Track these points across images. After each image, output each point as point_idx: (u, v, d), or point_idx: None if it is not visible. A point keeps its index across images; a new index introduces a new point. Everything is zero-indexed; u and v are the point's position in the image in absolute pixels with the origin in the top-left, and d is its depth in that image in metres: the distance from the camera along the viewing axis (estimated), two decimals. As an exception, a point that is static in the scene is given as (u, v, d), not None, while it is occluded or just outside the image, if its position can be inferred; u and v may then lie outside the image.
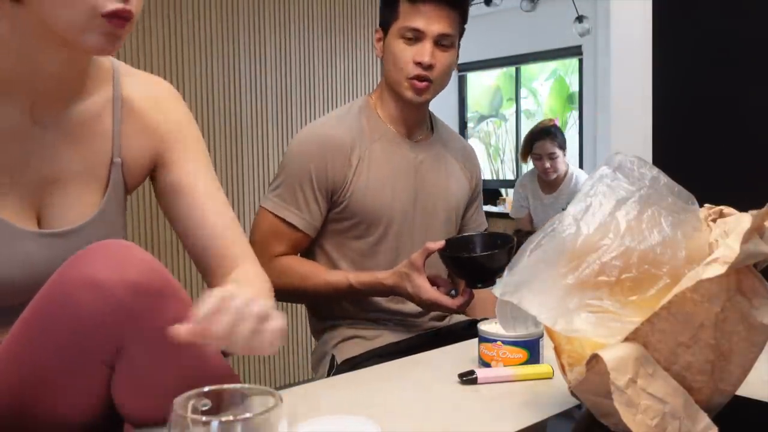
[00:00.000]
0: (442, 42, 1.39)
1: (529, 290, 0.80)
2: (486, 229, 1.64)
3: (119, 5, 0.77)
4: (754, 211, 0.73)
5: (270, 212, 1.40)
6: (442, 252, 1.30)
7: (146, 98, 0.97)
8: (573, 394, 0.84)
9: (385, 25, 1.43)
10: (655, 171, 0.81)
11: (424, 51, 1.37)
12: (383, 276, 1.34)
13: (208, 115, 2.99)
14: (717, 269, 0.70)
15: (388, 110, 1.46)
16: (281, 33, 3.27)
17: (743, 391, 0.93)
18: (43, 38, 0.80)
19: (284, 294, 1.37)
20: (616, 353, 0.72)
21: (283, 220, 1.39)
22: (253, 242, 1.34)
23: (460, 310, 1.35)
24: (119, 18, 0.78)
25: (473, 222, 1.62)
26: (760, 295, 0.75)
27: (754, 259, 0.73)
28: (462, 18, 1.43)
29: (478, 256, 1.33)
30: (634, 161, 0.82)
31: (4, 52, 0.81)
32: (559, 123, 7.98)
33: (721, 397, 0.78)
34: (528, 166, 3.94)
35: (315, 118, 3.36)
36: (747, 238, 0.70)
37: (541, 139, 3.57)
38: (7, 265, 0.84)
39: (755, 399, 0.90)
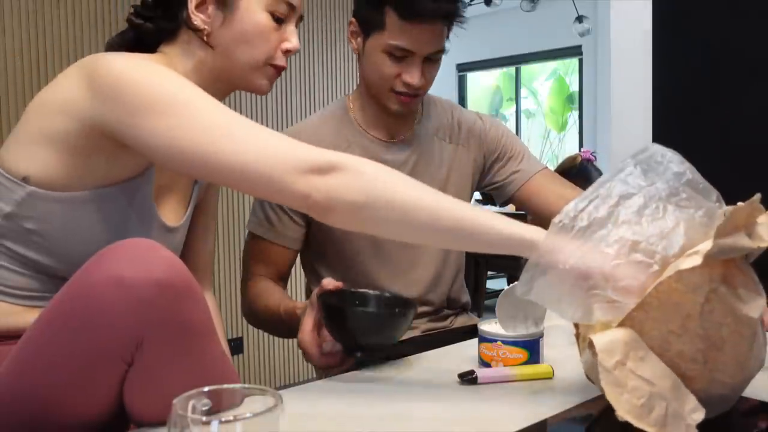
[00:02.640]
0: (433, 57, 1.28)
1: (543, 283, 0.82)
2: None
3: (284, 63, 1.03)
4: (741, 204, 0.74)
5: (250, 232, 1.38)
6: (319, 296, 1.04)
7: None
8: (588, 377, 0.86)
9: (366, 26, 1.28)
10: (683, 167, 0.82)
11: (414, 72, 1.25)
12: (300, 306, 1.17)
13: (208, 115, 2.99)
14: (694, 260, 0.73)
15: (369, 114, 1.37)
16: (281, 33, 3.27)
17: (744, 391, 0.93)
18: (219, 76, 1.01)
19: (256, 321, 1.34)
20: (607, 337, 0.75)
21: (261, 237, 1.35)
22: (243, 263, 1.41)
23: (323, 367, 1.07)
24: (280, 70, 1.03)
25: (515, 174, 1.44)
26: (749, 289, 0.76)
27: (734, 253, 0.74)
28: (451, 26, 1.30)
29: (350, 310, 1.03)
30: (666, 154, 0.83)
31: (191, 78, 0.97)
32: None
33: (723, 388, 0.79)
34: None
35: (315, 118, 3.37)
36: (721, 232, 0.72)
37: None
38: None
39: (755, 399, 0.91)
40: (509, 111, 8.11)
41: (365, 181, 0.86)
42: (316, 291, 1.06)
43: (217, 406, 0.57)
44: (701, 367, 0.76)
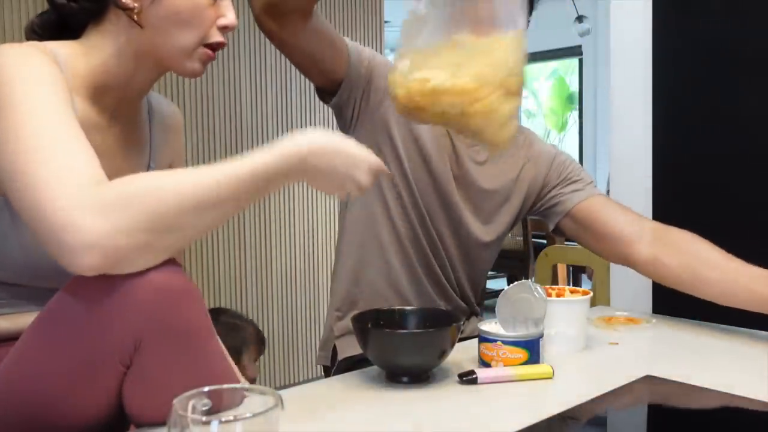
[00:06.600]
0: None
1: None
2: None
3: (221, 38, 0.96)
4: None
5: None
6: (353, 318, 1.02)
7: (169, 116, 1.12)
8: None
9: None
10: None
11: None
12: None
13: (208, 114, 2.99)
14: None
15: None
16: (281, 33, 3.26)
17: (743, 390, 0.93)
18: (146, 57, 0.94)
19: None
20: None
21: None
22: None
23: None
24: (216, 49, 0.96)
25: (574, 193, 1.41)
26: None
27: None
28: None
29: (389, 332, 0.98)
30: None
31: (112, 62, 0.94)
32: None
33: None
34: None
35: (315, 118, 3.36)
36: None
37: None
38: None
39: (755, 399, 0.91)
40: (509, 111, 8.10)
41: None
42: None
43: (217, 406, 0.57)
44: None
